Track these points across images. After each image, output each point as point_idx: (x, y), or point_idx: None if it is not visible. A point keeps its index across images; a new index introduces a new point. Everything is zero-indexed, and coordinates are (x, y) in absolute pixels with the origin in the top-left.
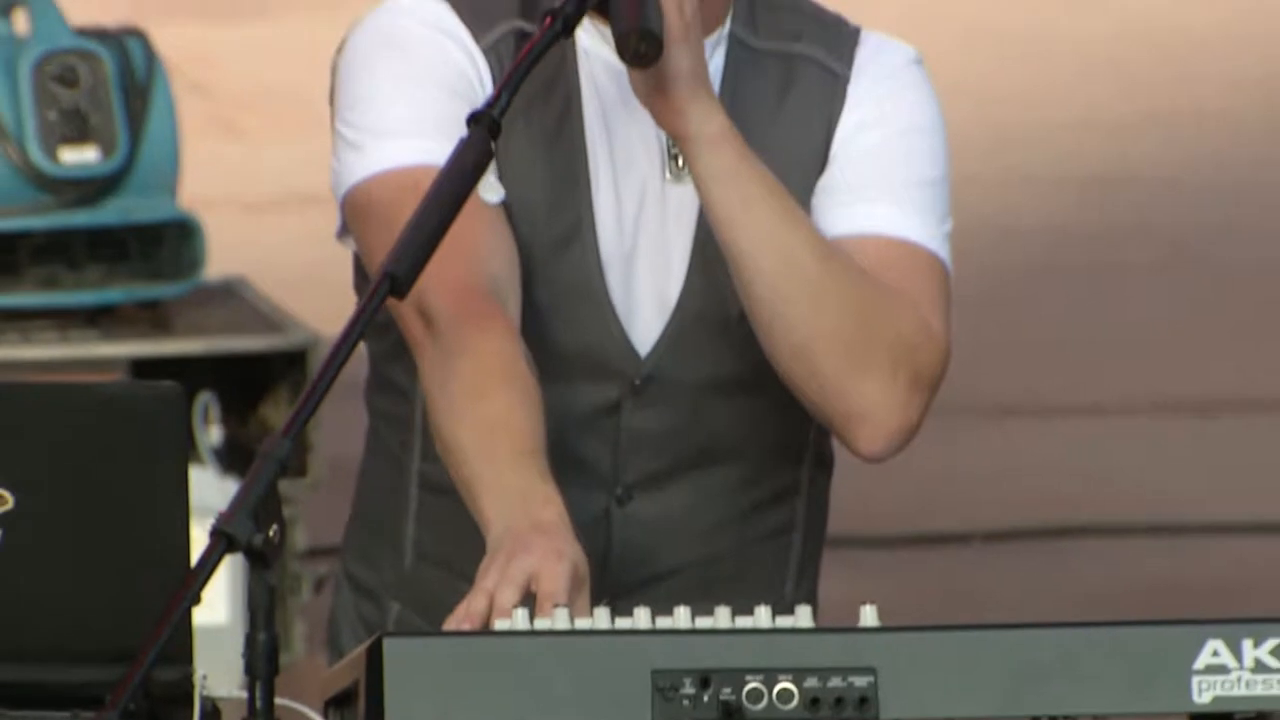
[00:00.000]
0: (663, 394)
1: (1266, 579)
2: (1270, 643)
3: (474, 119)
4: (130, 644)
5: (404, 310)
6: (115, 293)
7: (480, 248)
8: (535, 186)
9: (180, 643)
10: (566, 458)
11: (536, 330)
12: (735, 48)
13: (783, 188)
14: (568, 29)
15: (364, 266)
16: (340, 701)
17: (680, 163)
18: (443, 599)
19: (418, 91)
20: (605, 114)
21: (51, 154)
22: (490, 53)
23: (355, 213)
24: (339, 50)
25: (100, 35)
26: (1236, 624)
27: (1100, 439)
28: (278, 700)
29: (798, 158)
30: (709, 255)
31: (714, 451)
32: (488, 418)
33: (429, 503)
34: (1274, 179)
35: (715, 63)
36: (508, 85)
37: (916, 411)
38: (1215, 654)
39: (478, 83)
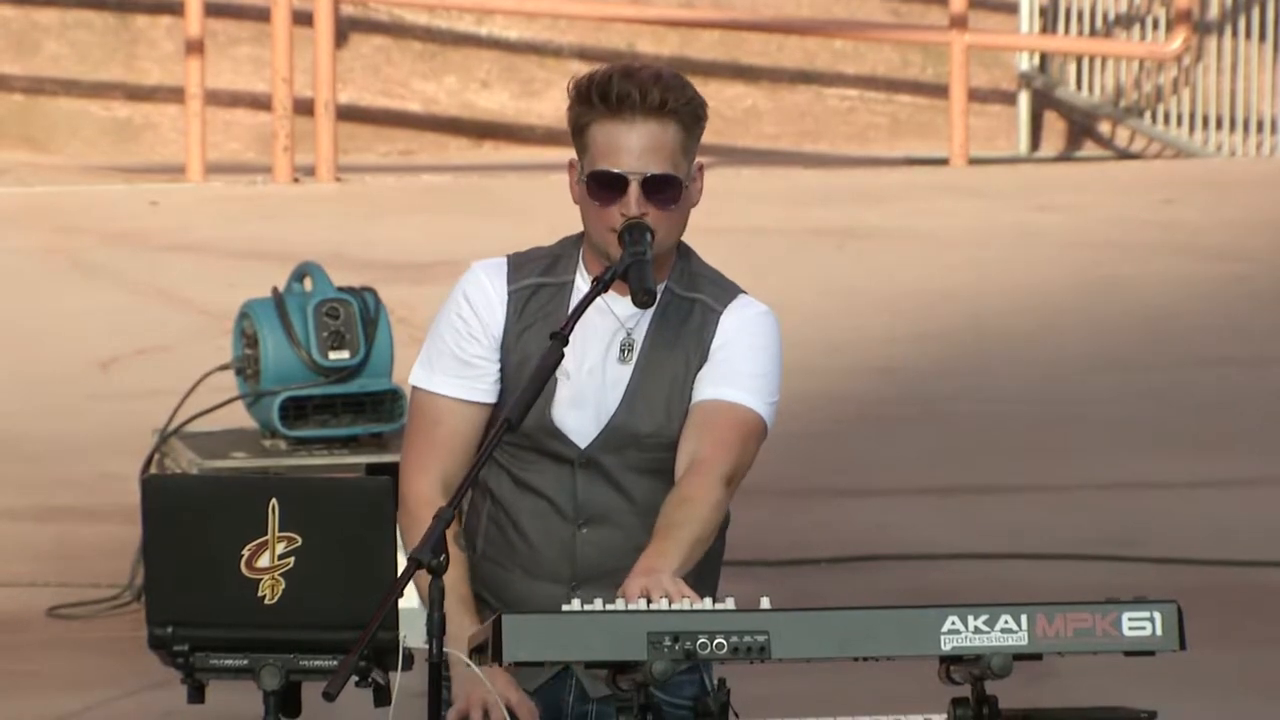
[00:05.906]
0: (595, 470)
1: (977, 587)
2: (984, 617)
3: (553, 335)
4: (363, 618)
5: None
6: (357, 429)
7: (445, 451)
8: (537, 361)
9: (391, 617)
10: (550, 503)
11: (534, 432)
12: (668, 294)
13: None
14: (605, 287)
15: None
16: (479, 649)
17: (626, 354)
18: (485, 577)
19: (456, 338)
20: (584, 327)
21: (324, 354)
22: (514, 294)
23: (410, 401)
24: (458, 281)
25: (351, 290)
26: (964, 607)
27: (890, 510)
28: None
29: (684, 356)
30: (633, 409)
31: (629, 500)
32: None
33: (488, 533)
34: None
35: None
36: (571, 318)
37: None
38: (953, 623)
39: (489, 315)
